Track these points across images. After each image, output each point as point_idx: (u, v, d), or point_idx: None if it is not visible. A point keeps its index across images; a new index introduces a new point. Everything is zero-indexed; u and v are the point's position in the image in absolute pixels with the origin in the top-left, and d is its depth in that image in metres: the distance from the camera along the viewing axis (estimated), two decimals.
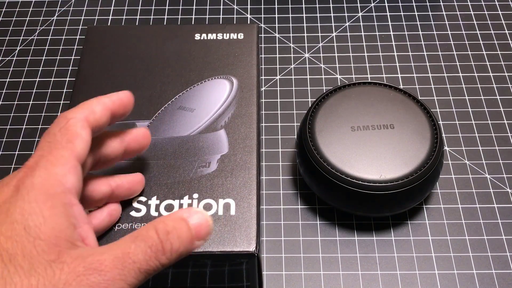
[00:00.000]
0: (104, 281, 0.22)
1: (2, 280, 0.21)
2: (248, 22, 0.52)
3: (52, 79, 0.48)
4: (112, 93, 0.29)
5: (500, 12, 0.52)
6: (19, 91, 0.47)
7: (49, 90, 0.47)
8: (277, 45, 0.50)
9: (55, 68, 0.49)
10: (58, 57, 0.49)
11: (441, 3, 0.53)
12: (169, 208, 0.32)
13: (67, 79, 0.48)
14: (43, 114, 0.46)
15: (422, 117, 0.38)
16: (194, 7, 0.53)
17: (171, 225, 0.24)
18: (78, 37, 0.51)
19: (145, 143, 0.31)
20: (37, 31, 0.52)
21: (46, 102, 0.46)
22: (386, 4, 0.53)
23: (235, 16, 0.52)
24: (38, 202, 0.23)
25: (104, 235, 0.31)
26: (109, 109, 0.28)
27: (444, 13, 0.52)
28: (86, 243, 0.25)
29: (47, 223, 0.23)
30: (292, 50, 0.49)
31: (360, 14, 0.52)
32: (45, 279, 0.21)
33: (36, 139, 0.44)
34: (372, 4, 0.53)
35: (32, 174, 0.24)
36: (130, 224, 0.32)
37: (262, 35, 0.50)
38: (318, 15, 0.52)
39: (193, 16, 0.52)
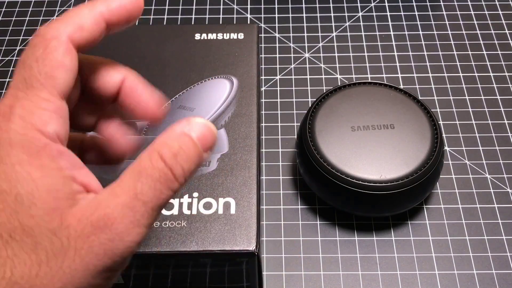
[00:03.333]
0: (117, 234, 0.19)
1: (9, 261, 0.18)
2: (248, 22, 0.52)
3: None
4: None
5: (500, 12, 0.52)
6: None
7: None
8: (277, 45, 0.50)
9: None
10: None
11: (441, 3, 0.53)
12: (168, 206, 0.32)
13: None
14: None
15: (422, 117, 0.38)
16: (194, 7, 0.53)
17: (177, 146, 0.21)
18: None
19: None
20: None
21: None
22: (386, 4, 0.53)
23: (235, 16, 0.52)
24: (23, 163, 0.19)
25: None
26: (105, 19, 0.22)
27: (444, 13, 0.52)
28: (90, 189, 0.21)
29: (40, 186, 0.19)
30: (292, 50, 0.49)
31: (360, 14, 0.52)
32: (53, 251, 0.19)
33: None
34: (372, 4, 0.53)
35: (7, 127, 0.20)
36: None
37: (262, 35, 0.50)
38: (318, 15, 0.52)
39: (193, 16, 0.52)
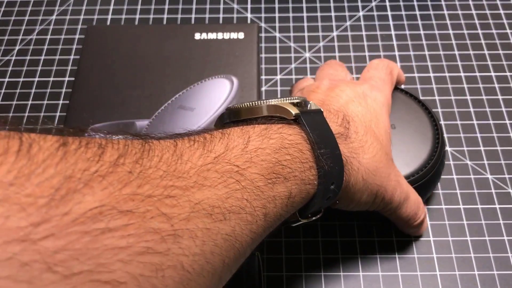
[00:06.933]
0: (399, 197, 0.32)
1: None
2: (249, 22, 0.51)
3: (51, 78, 0.48)
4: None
5: (501, 12, 0.52)
6: (18, 91, 0.47)
7: (48, 90, 0.47)
8: (277, 44, 0.50)
9: (54, 67, 0.48)
10: (57, 57, 0.49)
11: (443, 2, 0.53)
12: None
13: (66, 78, 0.48)
14: (42, 114, 0.45)
15: (423, 118, 0.38)
16: (194, 6, 0.53)
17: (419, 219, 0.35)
18: (77, 36, 0.51)
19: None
20: (36, 31, 0.51)
21: (45, 102, 0.46)
22: (387, 3, 0.52)
23: (235, 15, 0.52)
24: (386, 113, 0.33)
25: None
26: (397, 81, 0.39)
27: (445, 12, 0.52)
28: None
29: (389, 130, 0.33)
30: (292, 49, 0.49)
31: (361, 13, 0.52)
32: (389, 164, 0.31)
33: None
34: (373, 3, 0.53)
35: (375, 93, 0.33)
36: None
37: (263, 35, 0.50)
38: (318, 14, 0.52)
39: (193, 16, 0.52)
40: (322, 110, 0.28)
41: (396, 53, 0.49)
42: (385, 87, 0.35)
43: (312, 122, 0.26)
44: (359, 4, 0.53)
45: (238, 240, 0.21)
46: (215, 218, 0.20)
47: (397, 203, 0.32)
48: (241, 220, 0.21)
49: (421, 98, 0.41)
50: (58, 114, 0.45)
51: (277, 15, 0.52)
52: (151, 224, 0.18)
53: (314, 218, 0.28)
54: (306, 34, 0.50)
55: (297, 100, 0.28)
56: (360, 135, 0.29)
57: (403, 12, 0.52)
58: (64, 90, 0.47)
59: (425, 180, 0.35)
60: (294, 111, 0.26)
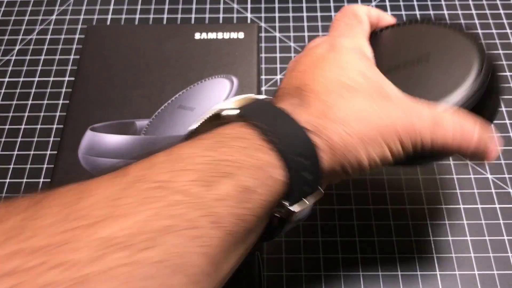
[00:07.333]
0: (407, 128, 0.26)
1: (342, 100, 0.26)
2: (248, 21, 0.51)
3: (51, 78, 0.48)
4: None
5: (501, 12, 0.52)
6: (18, 90, 0.47)
7: (48, 90, 0.47)
8: (277, 44, 0.50)
9: (54, 67, 0.48)
10: (57, 57, 0.49)
11: (443, 2, 0.53)
12: None
13: (66, 78, 0.48)
14: (42, 113, 0.45)
15: (465, 44, 0.33)
16: (193, 6, 0.53)
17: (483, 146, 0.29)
18: (77, 36, 0.51)
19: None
20: (36, 31, 0.52)
21: (45, 101, 0.46)
22: (387, 3, 0.52)
23: (235, 15, 0.52)
24: (355, 57, 0.29)
25: None
26: (376, 19, 0.34)
27: (445, 12, 0.52)
28: None
29: (370, 70, 0.28)
30: (292, 49, 0.49)
31: None
32: (382, 104, 0.27)
33: (35, 139, 0.44)
34: (373, 3, 0.53)
35: (339, 40, 0.30)
36: None
37: (263, 35, 0.50)
38: (318, 14, 0.52)
39: (193, 16, 0.52)
40: (267, 97, 0.28)
41: None
42: (352, 32, 0.31)
43: (251, 109, 0.25)
44: (359, 4, 0.53)
45: (184, 262, 0.19)
46: (139, 248, 0.18)
47: (426, 136, 0.26)
48: (179, 238, 0.19)
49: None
50: (58, 114, 0.45)
51: (277, 15, 0.52)
52: (47, 277, 0.16)
53: (314, 200, 0.25)
54: (306, 34, 0.50)
55: (239, 99, 0.27)
56: (322, 96, 0.26)
57: (403, 12, 0.52)
58: (64, 90, 0.47)
59: (480, 98, 0.30)
60: (226, 112, 0.25)
